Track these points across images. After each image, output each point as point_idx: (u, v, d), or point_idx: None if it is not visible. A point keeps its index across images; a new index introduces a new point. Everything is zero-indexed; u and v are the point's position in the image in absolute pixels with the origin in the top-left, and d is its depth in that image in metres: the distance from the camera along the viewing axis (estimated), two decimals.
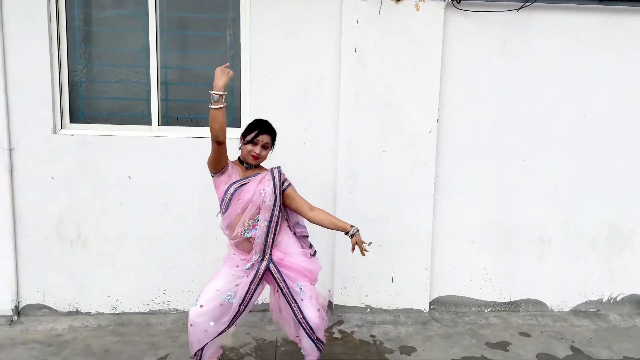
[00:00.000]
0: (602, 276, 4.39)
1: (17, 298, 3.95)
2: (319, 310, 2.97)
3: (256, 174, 2.97)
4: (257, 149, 2.91)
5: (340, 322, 4.04)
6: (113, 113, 4.03)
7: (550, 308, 4.38)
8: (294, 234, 3.10)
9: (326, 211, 3.12)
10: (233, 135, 3.98)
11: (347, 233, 2.98)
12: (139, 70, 3.98)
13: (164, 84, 4.01)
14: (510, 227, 4.27)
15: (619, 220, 4.33)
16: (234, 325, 3.01)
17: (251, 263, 2.93)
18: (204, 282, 3.96)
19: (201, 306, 2.90)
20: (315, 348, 3.01)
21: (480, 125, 4.14)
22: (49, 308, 4.00)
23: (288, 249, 3.00)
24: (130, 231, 3.98)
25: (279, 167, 3.04)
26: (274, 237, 2.95)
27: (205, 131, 4.00)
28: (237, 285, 2.95)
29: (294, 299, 2.94)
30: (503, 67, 4.08)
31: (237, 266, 2.98)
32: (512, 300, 4.35)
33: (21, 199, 3.87)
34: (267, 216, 2.91)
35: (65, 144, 3.86)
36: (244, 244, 2.96)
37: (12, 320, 3.89)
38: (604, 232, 4.33)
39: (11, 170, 3.81)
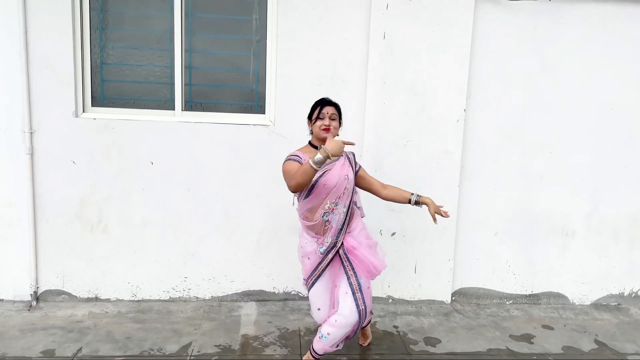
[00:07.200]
0: (624, 269, 4.36)
1: (37, 283, 3.89)
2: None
3: (336, 159, 2.90)
4: (326, 121, 2.93)
5: None
6: (135, 97, 3.95)
7: (571, 301, 4.35)
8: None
9: (395, 186, 3.13)
10: (259, 122, 3.95)
11: (409, 202, 3.02)
12: (162, 54, 3.90)
13: (187, 68, 3.93)
14: (534, 219, 4.23)
15: None
16: None
17: (325, 247, 2.96)
18: (224, 269, 4.03)
19: (318, 309, 3.07)
20: (355, 310, 2.93)
21: (507, 114, 4.08)
22: (68, 294, 3.94)
23: (359, 237, 3.02)
24: (152, 217, 3.92)
25: (353, 153, 3.12)
26: (348, 222, 2.99)
27: (228, 117, 3.97)
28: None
29: (358, 283, 2.97)
30: (532, 54, 4.02)
31: (316, 252, 3.01)
32: (533, 292, 4.31)
33: (41, 182, 3.80)
34: (347, 202, 2.96)
35: (87, 128, 3.79)
36: (318, 227, 2.97)
37: (31, 306, 3.84)
38: (627, 225, 4.30)
39: (32, 154, 3.74)
